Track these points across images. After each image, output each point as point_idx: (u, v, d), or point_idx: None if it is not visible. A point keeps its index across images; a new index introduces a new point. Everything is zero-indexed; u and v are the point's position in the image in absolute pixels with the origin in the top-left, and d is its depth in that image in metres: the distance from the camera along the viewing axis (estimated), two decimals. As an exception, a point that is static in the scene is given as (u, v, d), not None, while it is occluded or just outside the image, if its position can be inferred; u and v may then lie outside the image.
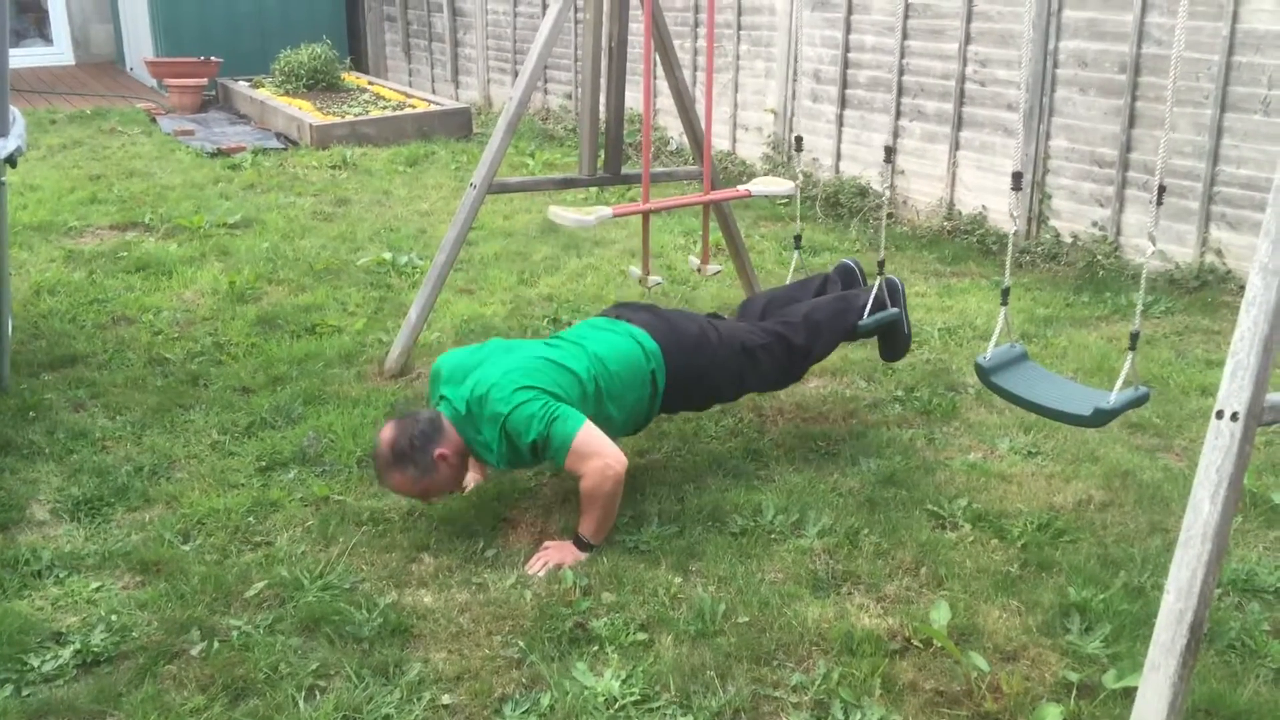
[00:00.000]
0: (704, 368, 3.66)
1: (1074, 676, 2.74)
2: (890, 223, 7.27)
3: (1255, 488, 3.69)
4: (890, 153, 4.02)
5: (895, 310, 3.98)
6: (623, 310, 3.80)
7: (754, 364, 3.77)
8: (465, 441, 3.36)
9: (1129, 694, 2.51)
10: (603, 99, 4.85)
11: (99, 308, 5.42)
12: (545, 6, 4.88)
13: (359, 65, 13.32)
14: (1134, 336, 3.13)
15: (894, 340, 4.10)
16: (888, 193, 3.93)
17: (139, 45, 13.26)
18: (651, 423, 4.16)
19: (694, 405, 3.89)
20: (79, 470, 3.80)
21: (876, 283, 3.94)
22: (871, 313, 3.91)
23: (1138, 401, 3.25)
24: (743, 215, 7.17)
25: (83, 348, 4.89)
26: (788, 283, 4.27)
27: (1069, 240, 6.39)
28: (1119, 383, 3.16)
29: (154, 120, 10.76)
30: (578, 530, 3.32)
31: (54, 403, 4.33)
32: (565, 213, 4.36)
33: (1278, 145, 5.38)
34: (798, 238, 4.42)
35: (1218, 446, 2.09)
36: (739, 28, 8.43)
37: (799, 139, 4.57)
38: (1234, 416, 2.07)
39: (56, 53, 14.93)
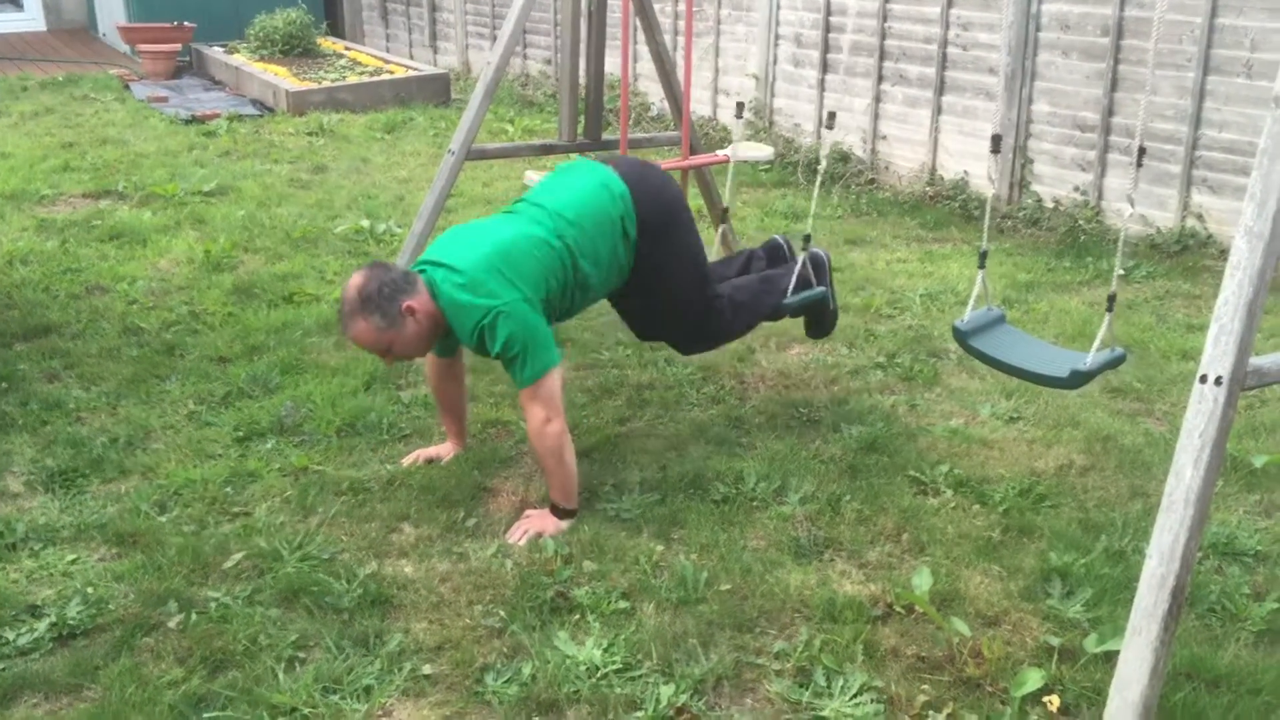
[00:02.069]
0: (670, 223, 3.52)
1: (1055, 641, 2.75)
2: (873, 188, 7.24)
3: (1236, 451, 3.70)
4: (832, 118, 3.85)
5: (821, 289, 3.85)
6: (602, 156, 3.66)
7: (701, 290, 3.63)
8: (439, 310, 3.23)
9: (1110, 658, 2.51)
10: (582, 64, 4.79)
11: (72, 277, 5.35)
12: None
13: (335, 30, 13.16)
14: (1111, 298, 3.13)
15: (820, 318, 4.01)
16: (824, 162, 3.86)
17: (111, 11, 13.07)
18: (629, 380, 4.14)
19: (657, 278, 3.58)
20: (53, 441, 3.76)
21: (800, 260, 3.79)
22: (796, 291, 3.77)
23: (1114, 363, 3.24)
24: (722, 181, 7.12)
25: (56, 318, 4.83)
26: (712, 260, 4.08)
27: (1051, 205, 6.38)
28: (1096, 344, 3.16)
29: (127, 87, 10.62)
30: (550, 498, 3.30)
31: (27, 373, 4.27)
32: (544, 179, 4.31)
33: (1260, 109, 5.37)
34: (725, 210, 4.33)
35: (1200, 411, 2.08)
36: (719, -9, 8.35)
37: (740, 105, 4.49)
38: (1217, 381, 2.06)
39: (28, 19, 14.71)
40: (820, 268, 3.88)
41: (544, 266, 3.28)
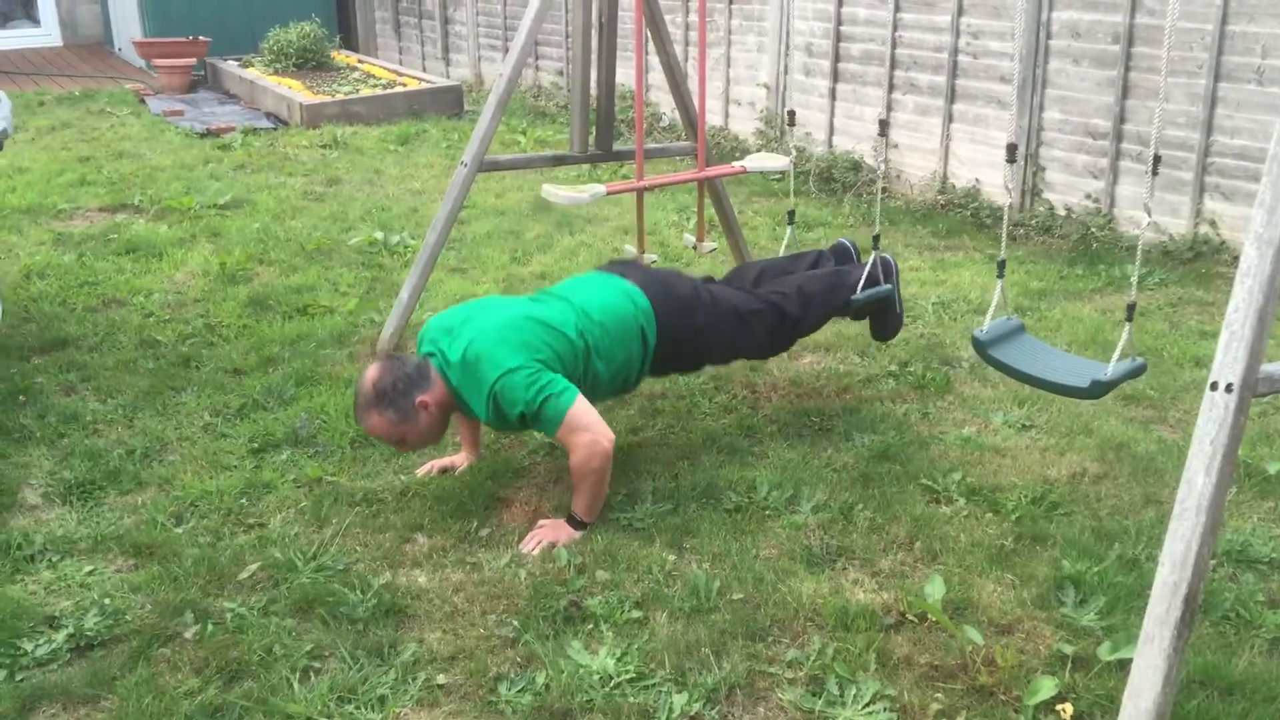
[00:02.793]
0: (697, 328, 3.64)
1: (1068, 649, 2.75)
2: (884, 197, 7.24)
3: (1249, 458, 3.69)
4: (884, 126, 3.97)
5: (888, 287, 3.95)
6: (615, 267, 3.78)
7: (746, 329, 3.74)
8: (452, 395, 3.31)
9: (1124, 666, 2.51)
10: (594, 75, 4.81)
11: (89, 290, 5.40)
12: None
13: (349, 43, 13.24)
14: (1130, 308, 3.13)
15: (885, 319, 4.08)
16: (882, 167, 3.90)
17: (127, 26, 13.18)
18: (642, 390, 4.15)
19: (684, 367, 3.87)
20: (71, 454, 3.79)
21: (871, 258, 3.91)
22: (864, 288, 3.88)
23: (1135, 373, 3.24)
24: (736, 191, 7.14)
25: (73, 331, 4.87)
26: (781, 256, 4.24)
27: (1063, 213, 6.37)
28: (1116, 354, 3.16)
29: (143, 101, 10.70)
30: (571, 509, 3.31)
31: (45, 386, 4.31)
32: (558, 190, 4.33)
33: (1272, 115, 5.36)
34: (791, 213, 4.39)
35: (1212, 418, 2.08)
36: (730, 1, 8.37)
37: (791, 113, 4.52)
38: (1228, 388, 2.06)
39: (44, 34, 14.83)
40: (889, 270, 3.98)
41: (554, 350, 3.31)
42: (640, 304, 3.54)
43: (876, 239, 3.90)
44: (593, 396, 3.49)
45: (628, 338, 3.51)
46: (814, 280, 3.91)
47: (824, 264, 4.10)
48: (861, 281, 3.88)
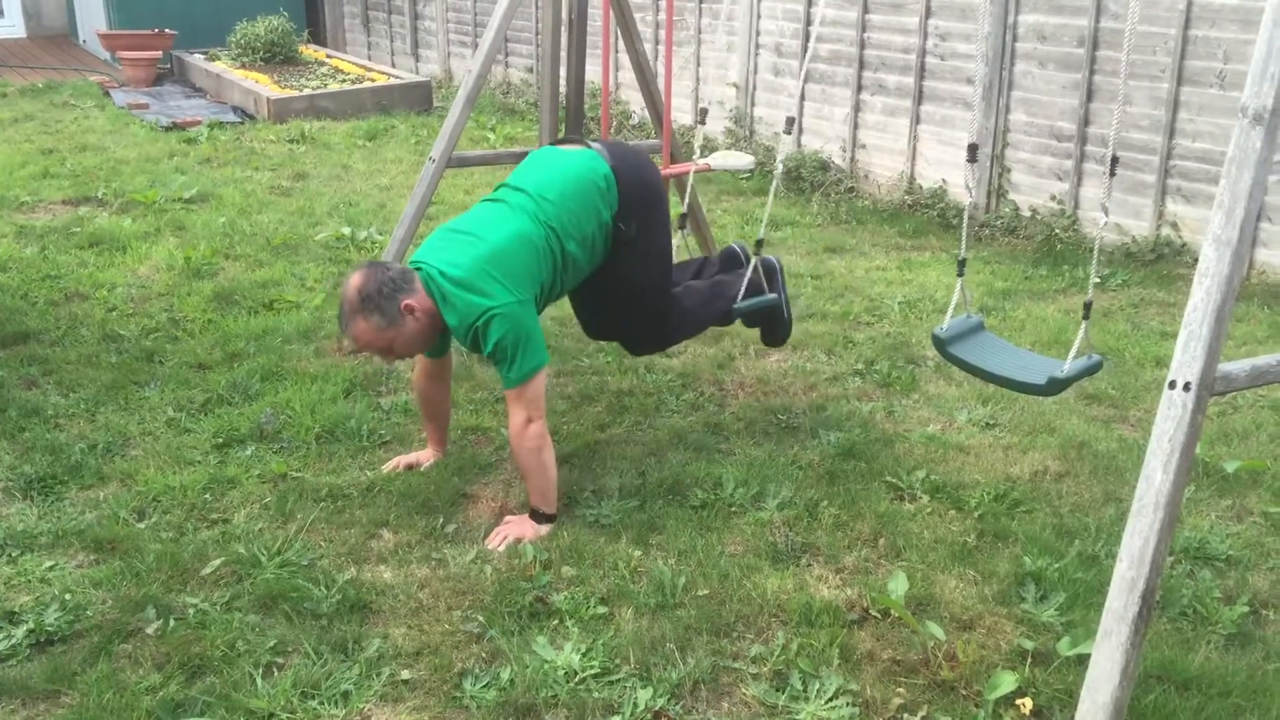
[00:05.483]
0: (650, 205, 3.55)
1: (1029, 644, 2.78)
2: (851, 196, 7.28)
3: (1208, 457, 3.74)
4: (791, 123, 3.86)
5: (773, 296, 3.85)
6: (583, 140, 3.68)
7: (657, 279, 3.64)
8: (435, 308, 3.26)
9: (1083, 661, 2.54)
10: (563, 72, 4.81)
11: (51, 284, 5.34)
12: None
13: (317, 38, 13.15)
14: (1087, 306, 3.17)
15: (773, 326, 4.02)
16: (780, 166, 3.90)
17: (92, 17, 13.03)
18: (609, 387, 4.15)
19: (629, 260, 3.58)
20: (31, 448, 3.74)
21: (750, 266, 3.79)
22: (746, 297, 3.76)
23: (1091, 370, 3.28)
24: (704, 189, 7.15)
25: (35, 324, 4.81)
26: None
27: (1028, 214, 6.43)
28: (1073, 352, 3.19)
29: (107, 93, 10.59)
30: (529, 503, 3.32)
31: (6, 380, 4.26)
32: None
33: (1233, 119, 5.42)
34: (683, 216, 4.36)
35: (1170, 416, 2.12)
36: (700, 0, 8.39)
37: (704, 110, 4.46)
38: (1186, 386, 2.10)
39: (7, 25, 14.65)
40: (772, 274, 3.89)
41: (534, 264, 3.30)
42: (600, 168, 3.47)
43: (759, 244, 3.80)
44: (575, 278, 3.48)
45: (590, 207, 3.42)
46: (691, 293, 3.81)
47: (707, 271, 4.00)
48: (742, 290, 3.76)
